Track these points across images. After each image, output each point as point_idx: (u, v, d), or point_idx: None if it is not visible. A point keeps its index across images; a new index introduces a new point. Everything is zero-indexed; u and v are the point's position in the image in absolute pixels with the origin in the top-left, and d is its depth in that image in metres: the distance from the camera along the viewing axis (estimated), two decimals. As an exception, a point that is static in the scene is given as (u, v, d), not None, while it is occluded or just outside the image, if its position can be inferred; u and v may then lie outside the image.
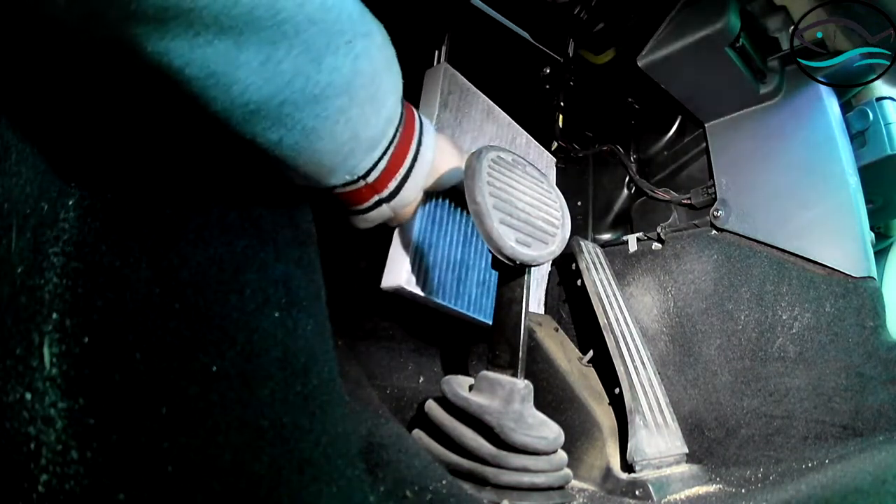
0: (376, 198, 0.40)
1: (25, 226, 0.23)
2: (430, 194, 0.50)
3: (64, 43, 0.27)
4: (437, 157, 0.44)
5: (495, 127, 0.72)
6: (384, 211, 0.42)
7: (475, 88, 0.68)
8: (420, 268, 0.52)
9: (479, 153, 0.42)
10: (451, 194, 0.52)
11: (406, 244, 0.50)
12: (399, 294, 0.51)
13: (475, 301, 0.59)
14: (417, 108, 0.62)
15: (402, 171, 0.40)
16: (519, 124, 0.77)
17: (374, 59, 0.32)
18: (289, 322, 0.28)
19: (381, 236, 0.54)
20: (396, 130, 0.38)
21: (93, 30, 0.23)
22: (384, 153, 0.38)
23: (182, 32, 0.23)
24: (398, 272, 0.50)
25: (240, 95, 0.26)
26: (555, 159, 0.86)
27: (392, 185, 0.40)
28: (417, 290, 0.51)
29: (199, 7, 0.23)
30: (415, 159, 0.41)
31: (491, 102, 0.71)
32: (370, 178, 0.38)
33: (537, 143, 0.80)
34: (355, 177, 0.37)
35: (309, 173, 0.34)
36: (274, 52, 0.26)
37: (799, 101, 0.68)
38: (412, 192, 0.42)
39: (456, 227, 0.57)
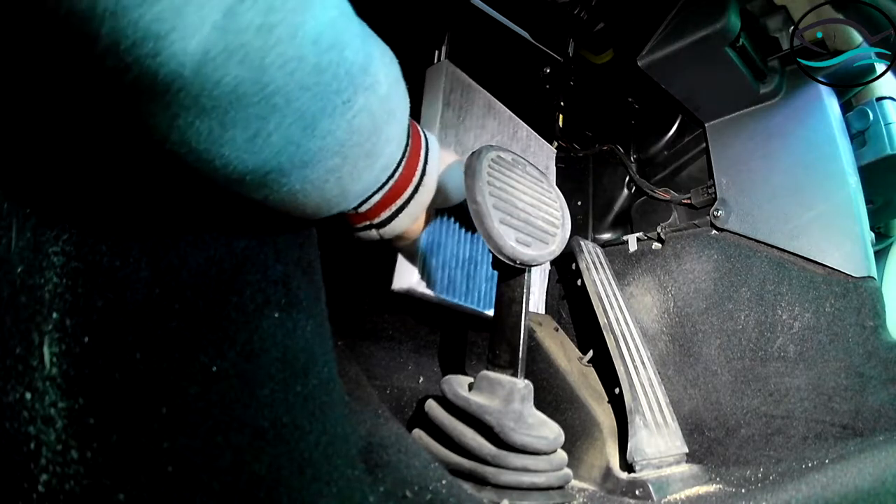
0: (367, 223, 0.39)
1: (25, 225, 0.23)
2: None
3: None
4: (442, 178, 0.42)
5: (497, 122, 0.72)
6: (372, 234, 0.40)
7: (476, 84, 0.68)
8: (429, 268, 0.52)
9: (478, 153, 0.42)
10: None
11: (415, 245, 0.51)
12: (410, 295, 0.51)
13: (485, 296, 0.59)
14: (419, 106, 0.62)
15: (399, 203, 0.38)
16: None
17: (374, 112, 0.30)
18: (289, 322, 0.28)
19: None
20: (395, 171, 0.36)
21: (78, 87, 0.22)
22: (377, 191, 0.36)
23: (159, 113, 0.21)
24: (408, 274, 0.50)
25: (223, 168, 0.25)
26: (555, 151, 0.86)
27: (385, 215, 0.38)
28: (428, 291, 0.51)
29: (175, 90, 0.21)
30: (414, 191, 0.39)
31: (492, 98, 0.71)
32: (361, 210, 0.37)
33: (538, 136, 0.81)
34: (350, 209, 0.36)
35: (295, 215, 0.32)
36: (263, 126, 0.24)
37: (799, 101, 0.68)
38: (405, 223, 0.40)
39: (462, 225, 0.57)
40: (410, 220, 0.40)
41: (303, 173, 0.27)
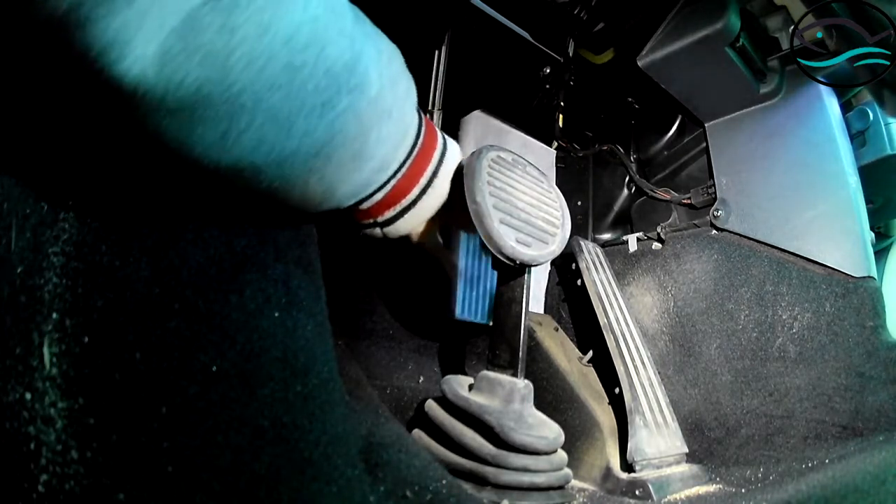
0: (370, 220, 0.38)
1: (25, 225, 0.23)
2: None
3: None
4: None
5: (534, 157, 0.76)
6: (376, 232, 0.39)
7: (509, 127, 0.70)
8: (472, 297, 0.56)
9: (478, 153, 0.42)
10: None
11: (458, 277, 0.55)
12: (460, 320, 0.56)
13: None
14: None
15: (404, 203, 0.37)
16: (519, 124, 0.77)
17: (361, 114, 0.28)
18: (289, 322, 0.28)
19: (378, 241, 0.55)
20: (397, 172, 0.35)
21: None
22: (378, 190, 0.35)
23: (133, 112, 0.22)
24: (454, 304, 0.56)
25: (198, 162, 0.25)
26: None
27: (389, 214, 0.38)
28: (473, 319, 0.56)
29: (141, 92, 0.21)
30: (422, 193, 0.38)
31: (527, 137, 0.76)
32: (363, 207, 0.36)
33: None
34: (343, 207, 0.34)
35: (287, 207, 0.31)
36: (232, 125, 0.24)
37: (799, 101, 0.68)
38: (411, 224, 0.39)
39: None
40: (417, 222, 0.40)
41: (280, 171, 0.27)
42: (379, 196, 0.36)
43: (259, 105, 0.24)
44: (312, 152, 0.27)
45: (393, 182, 0.35)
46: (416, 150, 0.36)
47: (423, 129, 0.36)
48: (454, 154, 0.41)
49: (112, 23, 0.20)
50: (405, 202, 0.37)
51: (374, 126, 0.30)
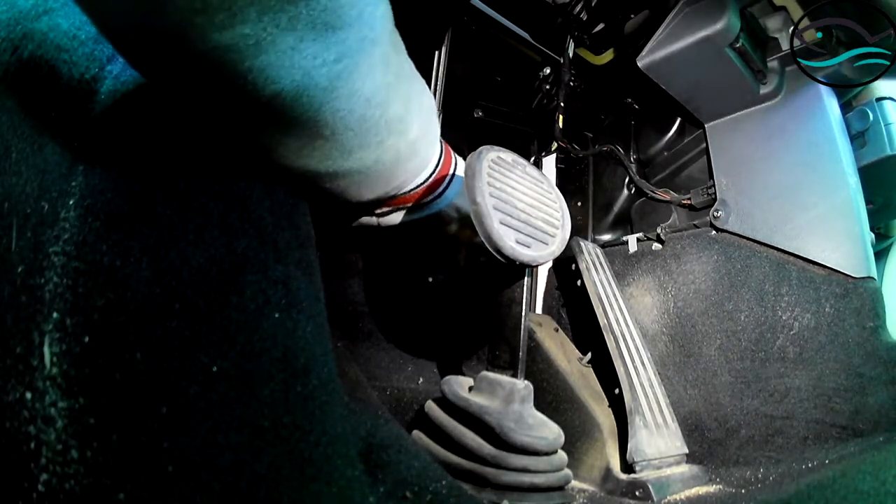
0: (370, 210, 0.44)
1: (26, 225, 0.23)
2: None
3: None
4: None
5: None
6: (372, 220, 0.46)
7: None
8: None
9: (479, 153, 0.42)
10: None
11: None
12: None
13: None
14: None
15: (399, 207, 0.44)
16: (519, 124, 0.77)
17: (400, 152, 0.36)
18: (289, 323, 0.28)
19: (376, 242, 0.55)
20: (410, 191, 0.43)
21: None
22: (386, 200, 0.42)
23: (250, 127, 0.28)
24: None
25: (284, 164, 0.32)
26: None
27: (385, 209, 0.45)
28: None
29: (259, 108, 0.26)
30: (416, 206, 0.45)
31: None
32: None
33: None
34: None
35: (325, 195, 0.38)
36: (310, 144, 0.31)
37: (799, 101, 0.68)
38: (400, 219, 0.47)
39: None
40: (404, 218, 0.47)
41: (332, 178, 0.35)
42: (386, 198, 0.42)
43: (334, 137, 0.31)
44: (359, 171, 0.35)
45: (400, 195, 0.43)
46: (430, 178, 0.44)
47: (442, 160, 0.44)
48: (458, 185, 0.47)
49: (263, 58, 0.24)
50: (401, 207, 0.45)
51: (406, 161, 0.38)
